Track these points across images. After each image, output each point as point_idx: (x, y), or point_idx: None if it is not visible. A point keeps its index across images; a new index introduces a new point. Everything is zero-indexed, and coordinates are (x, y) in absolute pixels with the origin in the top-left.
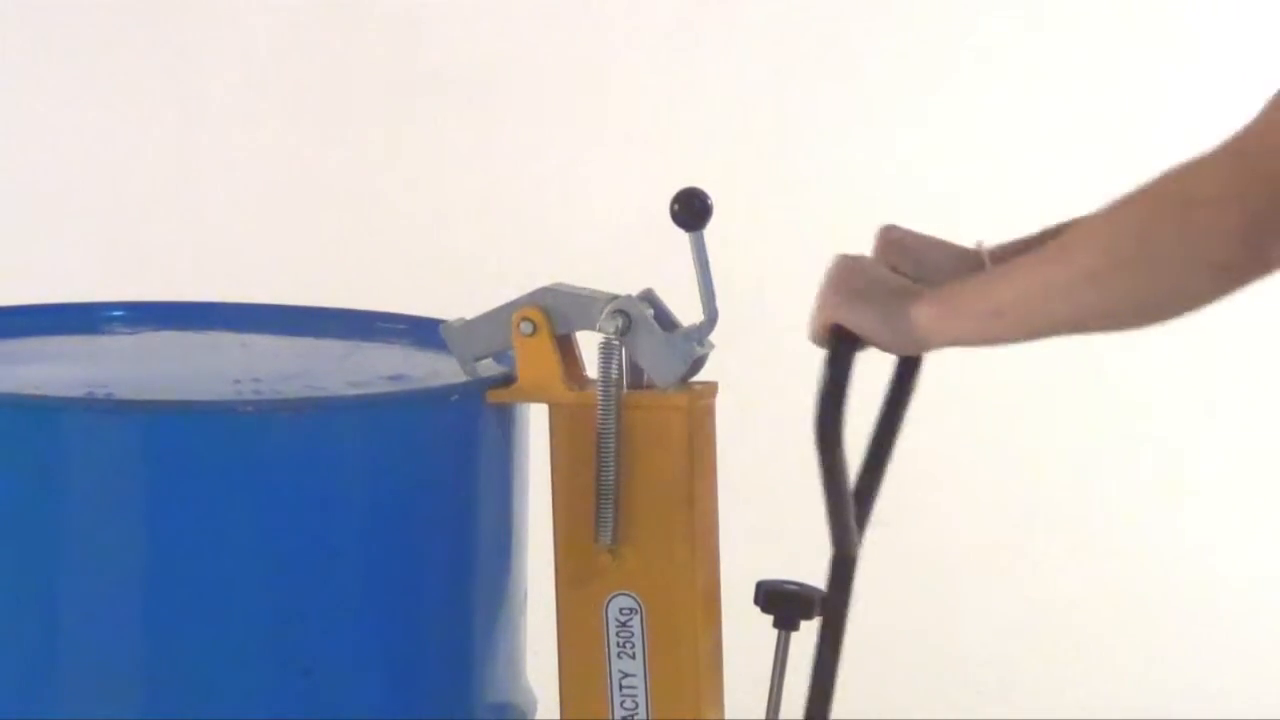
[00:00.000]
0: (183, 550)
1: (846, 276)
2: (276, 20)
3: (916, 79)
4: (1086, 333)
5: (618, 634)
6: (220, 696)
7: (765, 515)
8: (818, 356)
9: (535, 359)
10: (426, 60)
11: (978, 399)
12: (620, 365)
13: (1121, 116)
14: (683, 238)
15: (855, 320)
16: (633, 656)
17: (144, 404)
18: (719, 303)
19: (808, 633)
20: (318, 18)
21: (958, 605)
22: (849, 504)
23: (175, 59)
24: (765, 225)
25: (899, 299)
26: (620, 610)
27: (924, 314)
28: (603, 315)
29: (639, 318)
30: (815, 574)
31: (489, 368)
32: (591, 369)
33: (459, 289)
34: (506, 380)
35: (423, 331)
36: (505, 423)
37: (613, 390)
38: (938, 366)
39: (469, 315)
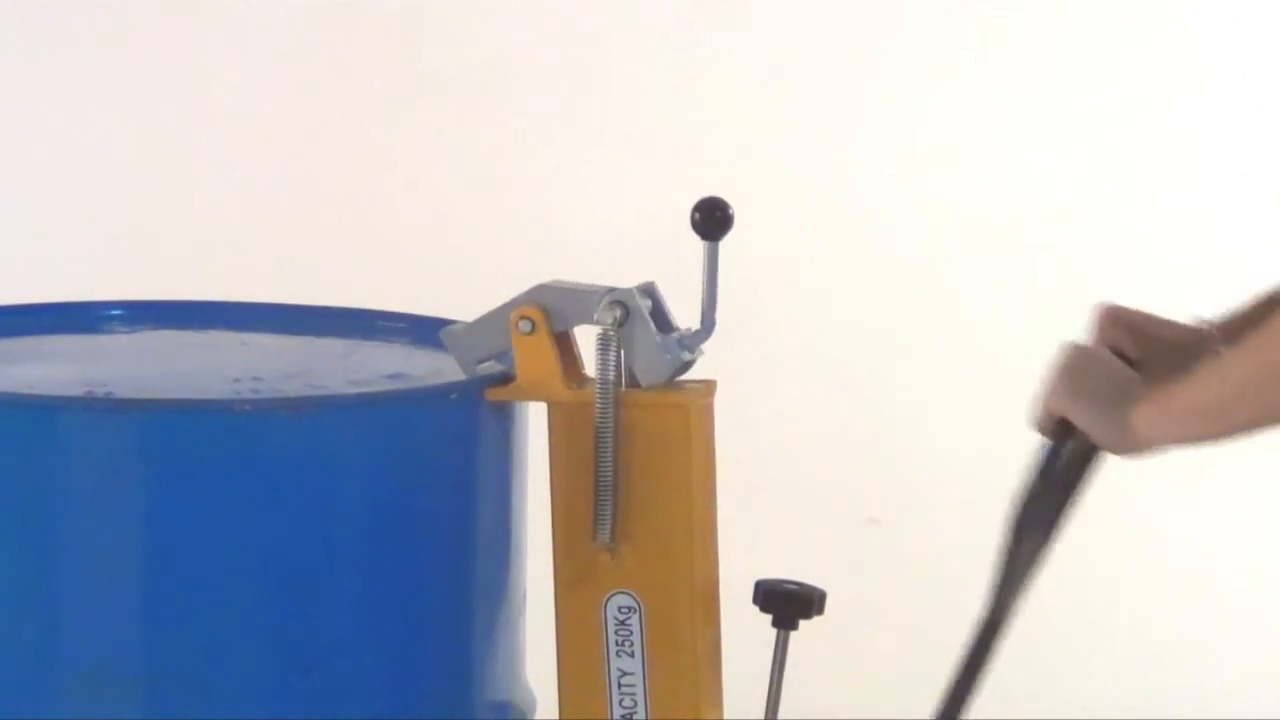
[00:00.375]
0: (182, 549)
1: (1077, 369)
2: (276, 20)
3: (917, 79)
4: None
5: (616, 633)
6: (220, 696)
7: (764, 514)
8: (816, 355)
9: (534, 357)
10: (426, 60)
11: (977, 398)
12: (618, 357)
13: (1122, 116)
14: (683, 239)
15: (1079, 416)
16: (631, 655)
17: (143, 403)
18: (718, 313)
19: (806, 632)
20: (318, 18)
21: (957, 605)
22: (1017, 583)
23: (175, 59)
24: (765, 225)
25: (1122, 398)
26: (619, 609)
27: (1142, 417)
28: (600, 306)
29: (636, 310)
30: (815, 574)
31: (490, 368)
32: (590, 368)
33: (459, 288)
34: (505, 379)
35: (422, 330)
36: (504, 421)
37: (610, 382)
38: (937, 366)
39: (468, 314)
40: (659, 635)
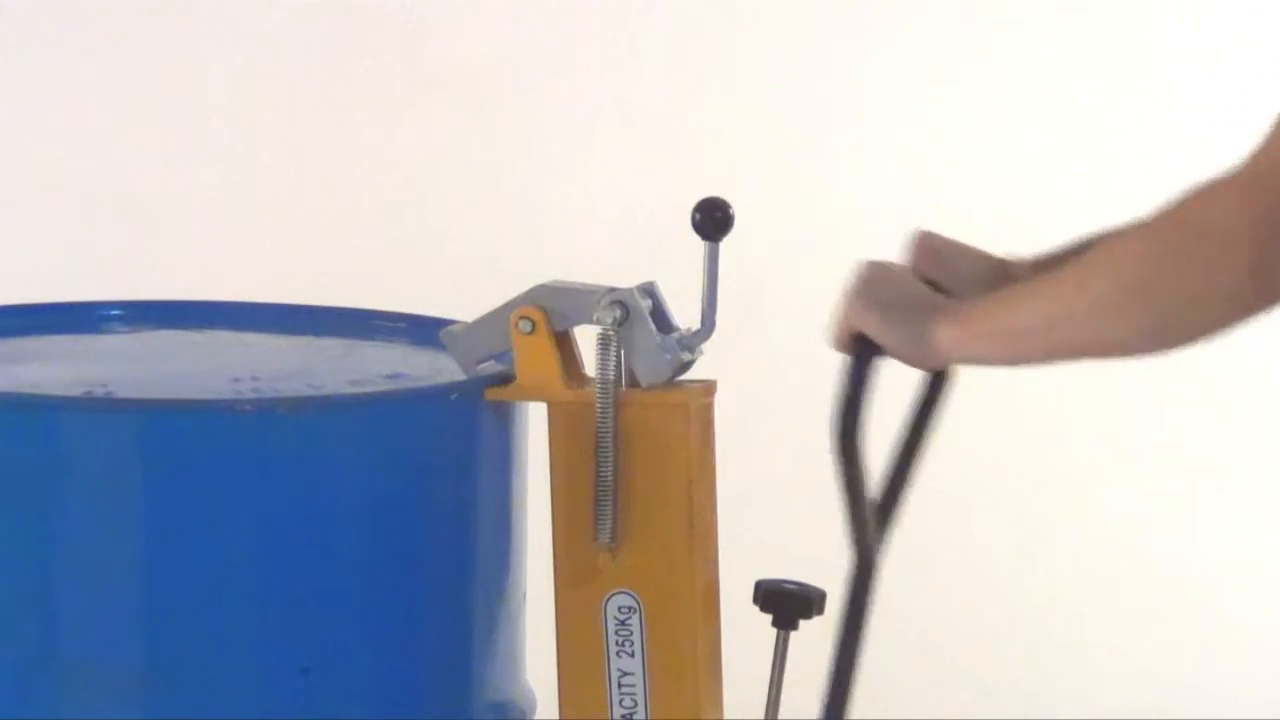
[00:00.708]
0: (181, 549)
1: (873, 284)
2: (276, 20)
3: (919, 79)
4: (1103, 359)
5: (616, 633)
6: (218, 695)
7: (764, 514)
8: (816, 355)
9: (534, 357)
10: (427, 60)
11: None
12: (618, 357)
13: (1122, 116)
14: (684, 239)
15: (877, 331)
16: (631, 655)
17: (142, 403)
18: (718, 314)
19: (806, 632)
20: (318, 17)
21: (957, 605)
22: (867, 511)
23: (175, 59)
24: (765, 224)
25: (923, 313)
26: (619, 609)
27: (944, 332)
28: (600, 306)
29: (636, 310)
30: (814, 573)
31: (490, 368)
32: (590, 368)
33: (458, 289)
34: (505, 379)
35: (422, 330)
36: (504, 421)
37: (610, 382)
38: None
39: (468, 314)
40: (659, 635)
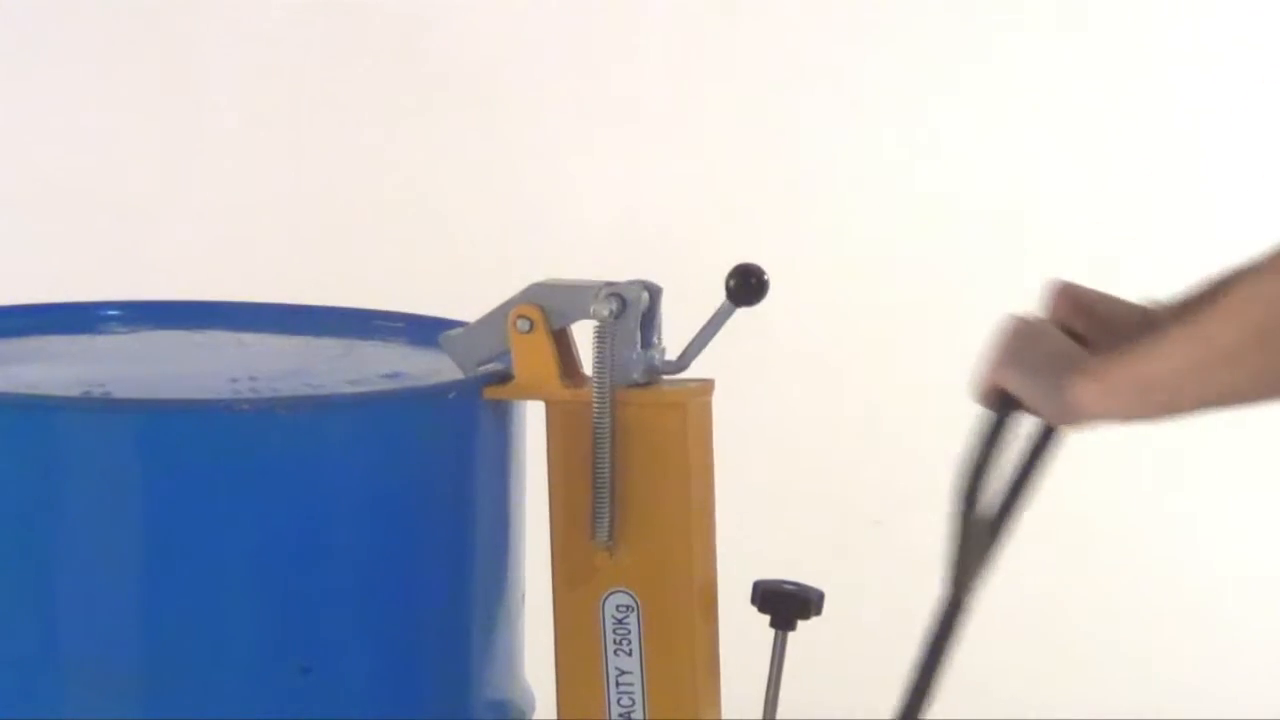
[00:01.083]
0: (180, 549)
1: (1020, 341)
2: (276, 20)
3: (916, 79)
4: (1236, 407)
5: (614, 631)
6: (218, 695)
7: (764, 514)
8: (815, 355)
9: (532, 356)
10: (427, 60)
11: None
12: (614, 352)
13: (1122, 116)
14: (683, 239)
15: (1019, 387)
16: (629, 654)
17: (141, 403)
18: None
19: (805, 632)
20: (318, 17)
21: None
22: (973, 559)
23: (175, 58)
24: (765, 223)
25: (1064, 370)
26: (617, 608)
27: (1083, 388)
28: (598, 299)
29: (633, 304)
30: (814, 573)
31: (490, 368)
32: (588, 366)
33: (457, 288)
34: (503, 378)
35: (420, 330)
36: (502, 420)
37: (608, 380)
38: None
39: (467, 314)
40: (657, 634)
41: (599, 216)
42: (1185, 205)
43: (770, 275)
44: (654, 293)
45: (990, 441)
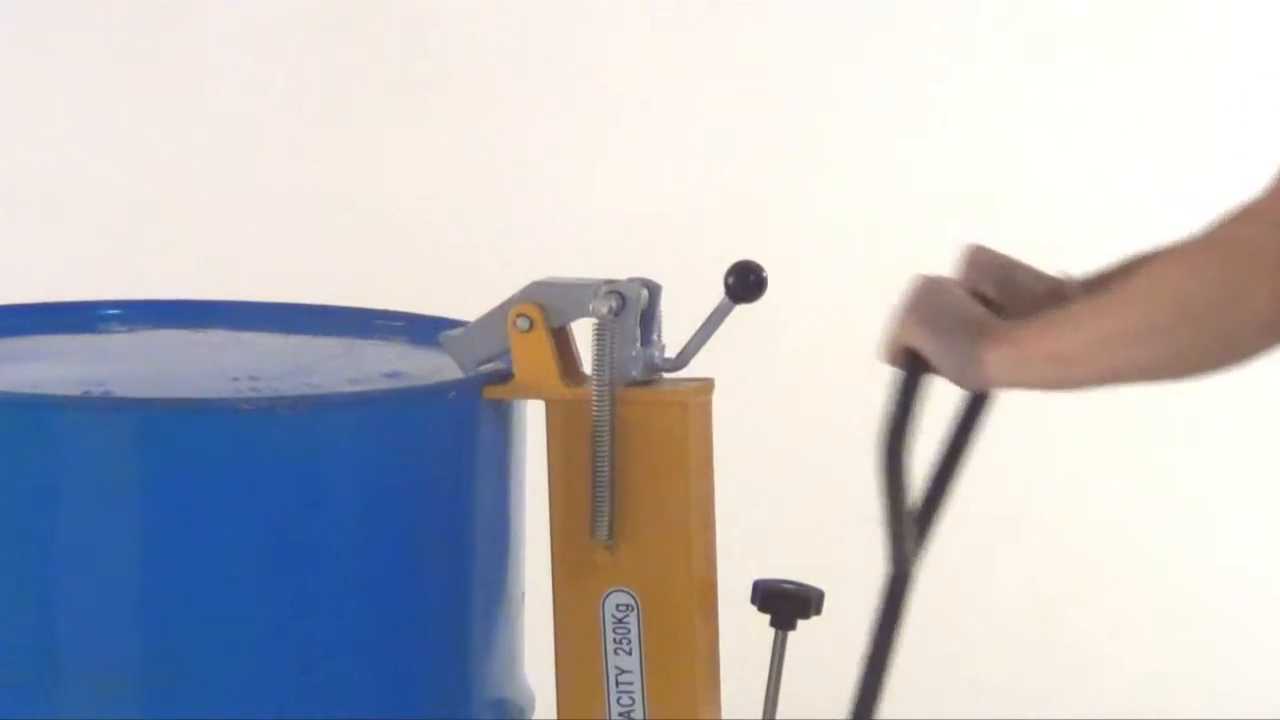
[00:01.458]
0: (180, 548)
1: (927, 301)
2: (277, 20)
3: (916, 78)
4: (1144, 384)
5: (614, 630)
6: (217, 694)
7: (764, 514)
8: (814, 354)
9: (532, 355)
10: (427, 60)
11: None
12: (614, 350)
13: (1125, 120)
14: (683, 238)
15: (928, 348)
16: (629, 653)
17: (141, 402)
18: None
19: (805, 632)
20: (318, 17)
21: (957, 605)
22: (906, 525)
23: (175, 58)
24: (765, 223)
25: (973, 335)
26: (617, 607)
27: (992, 355)
28: (597, 296)
29: (632, 301)
30: (813, 573)
31: (491, 367)
32: (588, 365)
33: (457, 288)
34: (503, 376)
35: (420, 329)
36: (502, 419)
37: (607, 378)
38: None
39: (467, 313)
40: (657, 633)
41: (598, 215)
42: (1187, 206)
43: (769, 272)
44: (653, 290)
45: (905, 403)
